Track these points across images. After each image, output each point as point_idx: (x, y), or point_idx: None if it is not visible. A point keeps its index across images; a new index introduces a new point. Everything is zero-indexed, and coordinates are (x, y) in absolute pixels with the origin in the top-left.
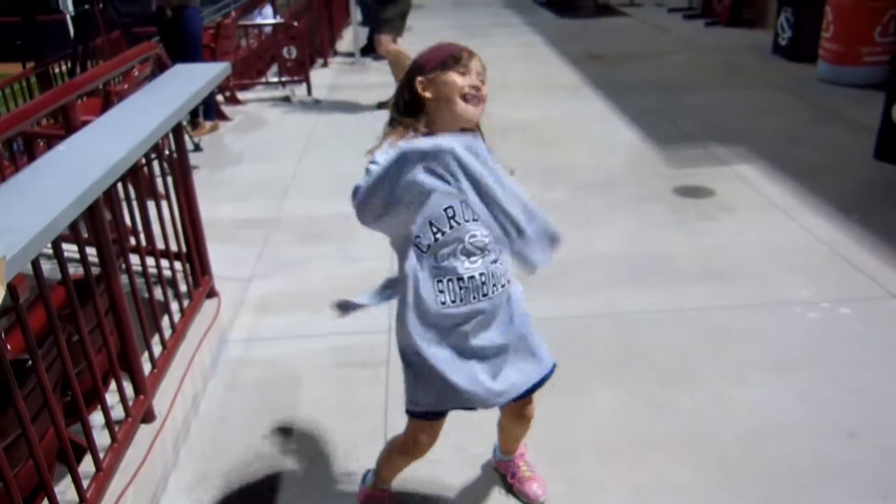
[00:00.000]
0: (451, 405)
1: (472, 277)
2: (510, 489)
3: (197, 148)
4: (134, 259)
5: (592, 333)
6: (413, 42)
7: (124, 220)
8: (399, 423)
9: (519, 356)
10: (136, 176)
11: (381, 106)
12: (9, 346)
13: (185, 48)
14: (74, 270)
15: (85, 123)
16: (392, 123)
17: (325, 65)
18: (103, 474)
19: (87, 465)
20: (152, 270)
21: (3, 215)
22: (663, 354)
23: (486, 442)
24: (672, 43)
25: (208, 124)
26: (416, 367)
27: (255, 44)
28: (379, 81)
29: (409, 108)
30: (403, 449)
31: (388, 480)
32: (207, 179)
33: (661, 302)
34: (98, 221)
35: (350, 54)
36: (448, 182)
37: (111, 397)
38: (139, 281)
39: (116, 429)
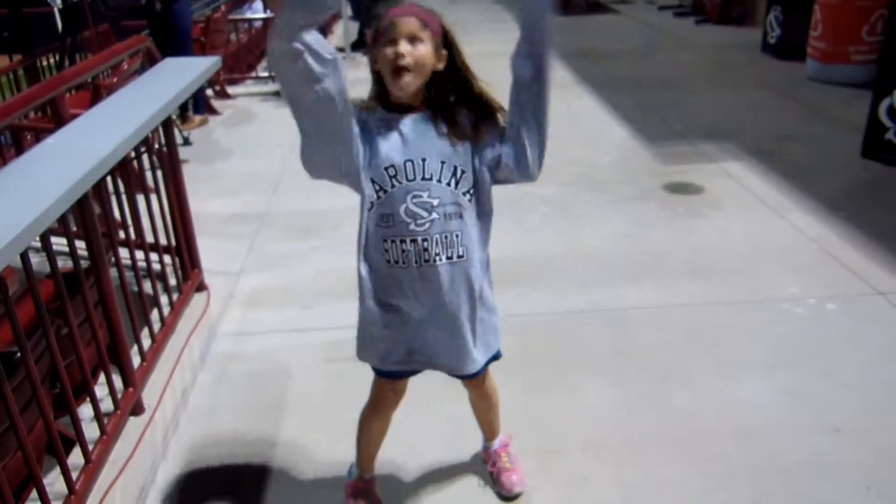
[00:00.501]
0: (383, 362)
1: (413, 241)
2: (491, 479)
3: (186, 142)
4: (123, 252)
5: (582, 330)
6: None
7: (114, 213)
8: None
9: (460, 332)
10: (126, 169)
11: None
12: None
13: (174, 42)
14: (63, 263)
15: (74, 117)
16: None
17: None
18: (92, 466)
19: (76, 458)
20: (142, 264)
21: None
22: (653, 351)
23: (477, 433)
24: (662, 41)
25: (198, 118)
26: (359, 318)
27: (244, 38)
28: (369, 77)
29: (377, 83)
30: (371, 405)
31: (369, 465)
32: (197, 173)
33: (651, 298)
34: (87, 215)
35: (340, 49)
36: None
37: (100, 390)
38: (128, 274)
39: (105, 421)
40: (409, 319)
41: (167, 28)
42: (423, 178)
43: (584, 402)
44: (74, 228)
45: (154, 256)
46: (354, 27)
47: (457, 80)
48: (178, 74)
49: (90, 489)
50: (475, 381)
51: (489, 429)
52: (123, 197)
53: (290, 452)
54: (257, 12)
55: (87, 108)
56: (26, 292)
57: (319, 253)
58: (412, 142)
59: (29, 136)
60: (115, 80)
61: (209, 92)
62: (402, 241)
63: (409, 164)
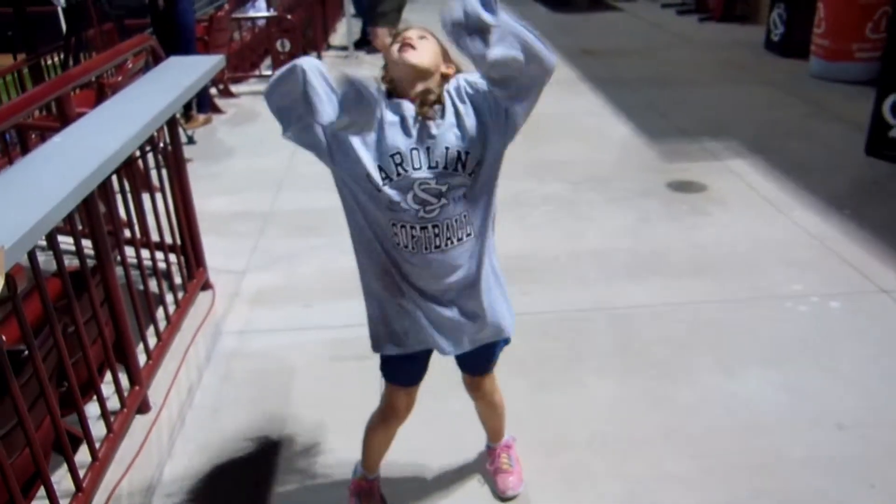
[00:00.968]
0: (393, 344)
1: (423, 228)
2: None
3: (190, 141)
4: (129, 251)
5: (586, 327)
6: None
7: (119, 212)
8: None
9: (471, 318)
10: (131, 168)
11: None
12: (5, 337)
13: (178, 41)
14: (70, 262)
15: (79, 116)
16: None
17: (318, 58)
18: (99, 464)
19: (83, 455)
20: (147, 262)
21: None
22: (657, 348)
23: (482, 431)
24: (665, 38)
25: (202, 117)
26: (368, 310)
27: (248, 37)
28: (372, 75)
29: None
30: (379, 419)
31: (374, 466)
32: (201, 172)
33: (654, 296)
34: (93, 213)
35: (344, 48)
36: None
37: (107, 388)
38: (134, 273)
39: (112, 419)
40: (423, 296)
41: (171, 27)
42: (430, 167)
43: (589, 399)
44: (81, 227)
45: (159, 255)
46: (358, 25)
47: None
48: (183, 73)
49: (97, 487)
50: (481, 381)
51: (494, 433)
52: (129, 196)
53: (295, 450)
54: (260, 11)
55: (92, 107)
56: (33, 290)
57: (323, 251)
58: (416, 129)
59: (34, 136)
60: (119, 78)
61: (213, 91)
62: (413, 228)
63: (414, 152)
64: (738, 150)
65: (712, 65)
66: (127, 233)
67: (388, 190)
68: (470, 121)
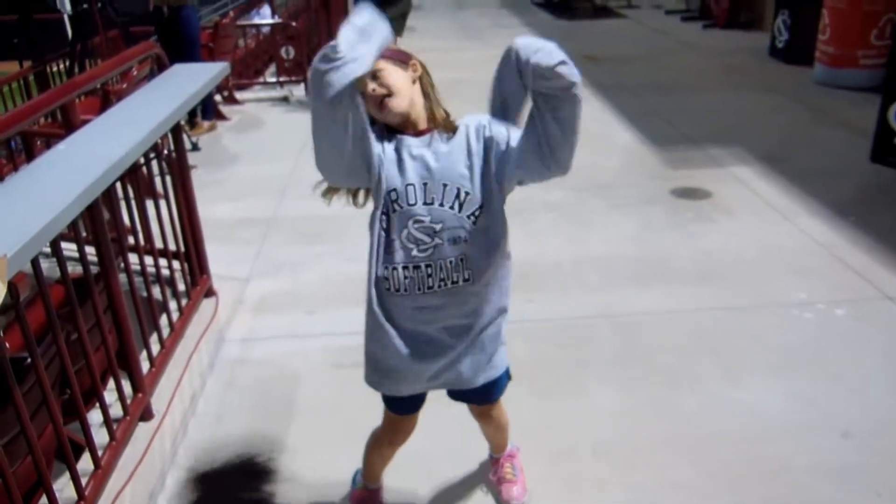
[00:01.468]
0: (387, 384)
1: (416, 267)
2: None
3: (195, 147)
4: (132, 258)
5: (591, 334)
6: (414, 42)
7: (123, 219)
8: None
9: (468, 355)
10: (135, 175)
11: None
12: (8, 344)
13: (182, 48)
14: (73, 269)
15: (84, 123)
16: None
17: None
18: (102, 472)
19: (85, 463)
20: (151, 269)
21: (2, 214)
22: (661, 355)
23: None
24: (669, 45)
25: (206, 124)
26: (365, 336)
27: (252, 44)
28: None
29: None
30: (380, 439)
31: (375, 478)
32: (205, 179)
33: (659, 303)
34: (97, 220)
35: None
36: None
37: (109, 396)
38: (138, 280)
39: (115, 427)
40: (413, 341)
41: (175, 34)
42: (425, 203)
43: (593, 406)
44: (84, 234)
45: (163, 262)
46: None
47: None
48: (187, 80)
49: (99, 495)
50: (488, 408)
51: (497, 446)
52: (133, 202)
53: (298, 458)
54: (265, 18)
55: (97, 114)
56: (36, 298)
57: (327, 258)
58: (414, 166)
59: (39, 142)
60: (124, 85)
61: (218, 98)
62: (405, 268)
63: (409, 189)
64: (743, 156)
65: (716, 71)
66: (131, 239)
67: (384, 228)
68: (478, 161)
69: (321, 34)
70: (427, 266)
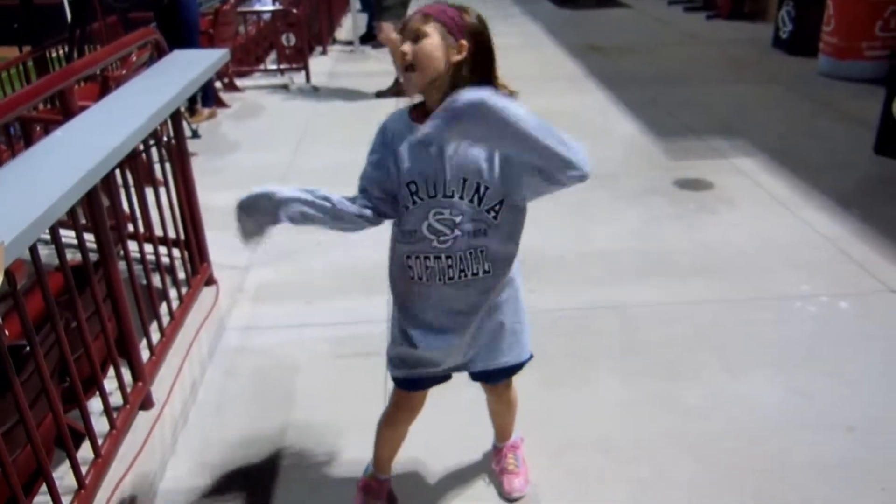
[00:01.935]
0: (415, 368)
1: (437, 258)
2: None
3: (195, 135)
4: (132, 246)
5: (593, 327)
6: None
7: (122, 206)
8: None
9: (490, 338)
10: (135, 162)
11: (379, 95)
12: (7, 332)
13: (182, 34)
14: (72, 256)
15: (83, 109)
16: None
17: (323, 52)
18: (102, 460)
19: (85, 452)
20: (150, 257)
21: (0, 201)
22: (664, 348)
23: (489, 430)
24: (673, 36)
25: (206, 111)
26: (392, 321)
27: (253, 31)
28: (378, 70)
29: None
30: (390, 418)
31: (384, 466)
32: (205, 166)
33: (662, 295)
34: (96, 208)
35: (349, 42)
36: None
37: (109, 384)
38: (137, 268)
39: (115, 415)
40: (430, 330)
41: (175, 20)
42: (445, 196)
43: (595, 399)
44: (83, 221)
45: (163, 250)
46: (363, 20)
47: (475, 70)
48: (187, 67)
49: (100, 483)
50: (494, 388)
51: (502, 431)
52: (132, 190)
53: (299, 447)
54: (266, 4)
55: (96, 100)
56: (35, 285)
57: (328, 247)
58: (433, 157)
59: (38, 128)
60: (123, 72)
61: (218, 84)
62: (427, 258)
63: (429, 181)
64: (746, 148)
65: (720, 62)
66: (130, 227)
67: (406, 217)
68: (498, 156)
69: (322, 21)
70: (447, 257)
